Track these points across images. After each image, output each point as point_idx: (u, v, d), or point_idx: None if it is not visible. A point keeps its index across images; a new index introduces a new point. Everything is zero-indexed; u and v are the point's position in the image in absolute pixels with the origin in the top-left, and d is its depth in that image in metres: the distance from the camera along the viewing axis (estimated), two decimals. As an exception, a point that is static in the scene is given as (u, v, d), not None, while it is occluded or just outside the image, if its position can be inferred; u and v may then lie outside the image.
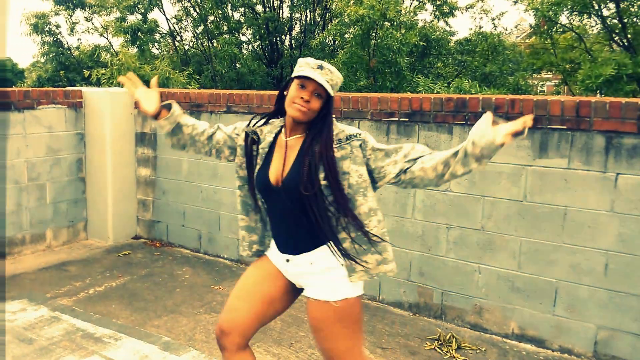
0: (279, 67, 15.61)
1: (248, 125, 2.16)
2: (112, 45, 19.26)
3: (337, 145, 1.98)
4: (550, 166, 3.30)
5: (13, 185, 4.76)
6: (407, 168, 1.96)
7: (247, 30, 16.32)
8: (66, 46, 20.03)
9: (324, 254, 2.02)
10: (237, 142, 2.19)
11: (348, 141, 1.99)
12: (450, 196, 3.66)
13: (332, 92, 1.99)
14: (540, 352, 3.34)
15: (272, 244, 2.18)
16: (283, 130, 2.10)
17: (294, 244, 2.05)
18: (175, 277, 4.44)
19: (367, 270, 2.00)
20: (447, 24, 13.51)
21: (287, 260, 2.09)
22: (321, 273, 2.02)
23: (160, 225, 5.31)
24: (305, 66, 1.98)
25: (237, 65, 15.75)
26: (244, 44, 16.41)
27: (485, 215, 3.54)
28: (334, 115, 2.06)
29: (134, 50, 15.42)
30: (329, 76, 1.98)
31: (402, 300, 3.93)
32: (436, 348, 3.34)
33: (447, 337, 3.42)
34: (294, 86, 1.98)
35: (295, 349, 3.29)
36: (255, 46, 17.20)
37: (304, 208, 1.95)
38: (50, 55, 19.63)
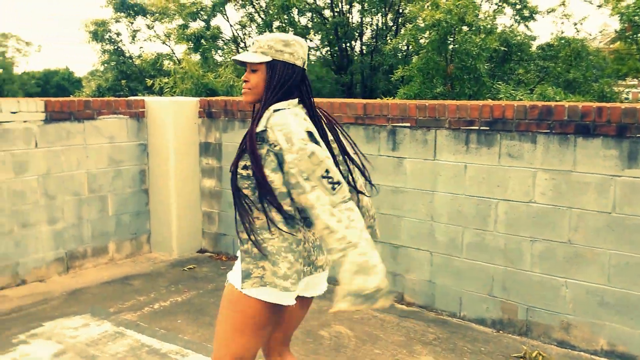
0: (349, 73, 15.75)
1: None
2: (174, 53, 19.90)
3: (259, 143, 1.98)
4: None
5: (73, 197, 4.91)
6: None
7: (315, 35, 16.55)
8: (127, 54, 20.64)
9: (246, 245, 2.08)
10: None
11: (259, 142, 1.98)
12: (535, 208, 3.65)
13: (266, 58, 2.04)
14: (634, 374, 3.28)
15: None
16: None
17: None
18: (248, 290, 4.60)
19: (261, 277, 2.00)
20: (527, 28, 13.28)
21: None
22: (239, 259, 2.11)
23: (227, 239, 5.51)
24: None
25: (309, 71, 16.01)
26: (311, 50, 16.66)
27: (572, 228, 3.51)
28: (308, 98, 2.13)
29: (196, 57, 15.91)
30: (256, 45, 2.06)
31: (485, 317, 3.94)
32: (521, 366, 3.34)
33: (534, 355, 3.42)
34: None
35: (372, 364, 3.37)
36: (323, 52, 17.42)
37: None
38: (111, 64, 20.12)
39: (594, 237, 3.45)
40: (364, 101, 4.54)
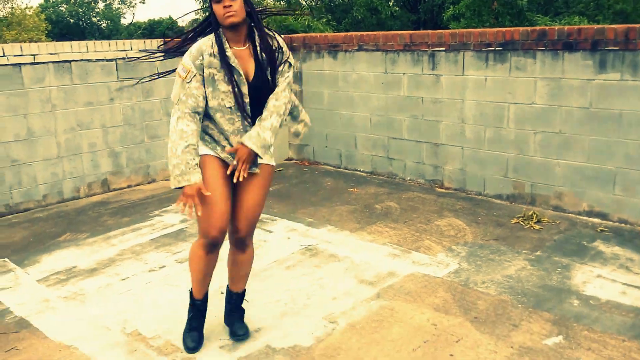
0: (419, 11, 17.16)
1: (195, 57, 2.86)
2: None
3: (278, 56, 2.96)
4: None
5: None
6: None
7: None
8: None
9: None
10: (202, 77, 2.87)
11: (282, 63, 2.99)
12: (536, 108, 5.14)
13: None
14: (603, 223, 4.81)
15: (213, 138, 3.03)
16: (226, 43, 2.85)
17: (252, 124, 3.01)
18: (319, 184, 6.38)
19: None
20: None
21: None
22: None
23: (308, 148, 7.28)
24: None
25: (380, 11, 17.43)
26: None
27: (562, 121, 4.99)
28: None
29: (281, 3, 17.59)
30: None
31: (502, 193, 5.51)
32: (520, 222, 4.92)
33: (530, 214, 4.99)
34: (214, 6, 2.77)
35: (407, 225, 5.03)
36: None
37: (261, 94, 2.97)
38: (206, 13, 22.08)
39: (577, 127, 4.92)
40: (411, 32, 6.06)
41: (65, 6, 40.88)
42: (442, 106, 5.84)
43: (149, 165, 6.62)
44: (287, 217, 5.37)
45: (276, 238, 4.84)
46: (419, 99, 6.01)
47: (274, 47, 2.93)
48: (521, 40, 5.13)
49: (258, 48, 2.91)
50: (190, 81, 2.82)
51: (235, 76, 2.85)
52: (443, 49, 5.71)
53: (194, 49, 2.85)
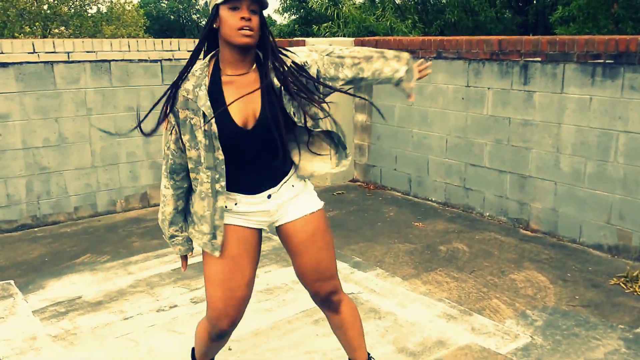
0: (525, 13, 15.88)
1: (173, 101, 2.22)
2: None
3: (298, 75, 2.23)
4: None
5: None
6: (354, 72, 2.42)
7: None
8: (309, 1, 22.38)
9: (294, 174, 2.39)
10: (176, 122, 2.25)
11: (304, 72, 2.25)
12: (652, 138, 4.19)
13: (267, 2, 2.13)
14: None
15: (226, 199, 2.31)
16: (221, 69, 2.20)
17: (270, 178, 2.32)
18: (380, 214, 5.67)
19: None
20: None
21: (269, 196, 2.33)
22: (302, 191, 2.42)
23: (375, 169, 6.58)
24: None
25: (478, 12, 16.36)
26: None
27: (687, 158, 4.02)
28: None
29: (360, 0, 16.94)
30: None
31: (602, 243, 4.58)
32: (620, 283, 4.00)
33: (635, 274, 4.04)
34: (225, 13, 2.09)
35: (475, 275, 4.23)
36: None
37: (275, 142, 2.22)
38: (292, 10, 22.12)
39: None
40: (500, 37, 5.24)
41: (166, 2, 42.42)
42: (533, 130, 4.97)
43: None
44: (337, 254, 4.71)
45: (311, 281, 4.19)
46: (505, 119, 5.18)
47: (297, 65, 2.26)
48: (639, 52, 4.21)
49: (273, 75, 2.20)
50: (171, 132, 2.27)
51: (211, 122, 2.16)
52: (539, 59, 4.85)
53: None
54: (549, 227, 4.96)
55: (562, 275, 4.18)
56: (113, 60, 5.51)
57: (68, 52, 5.27)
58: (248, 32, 2.06)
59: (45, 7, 23.77)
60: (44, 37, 23.79)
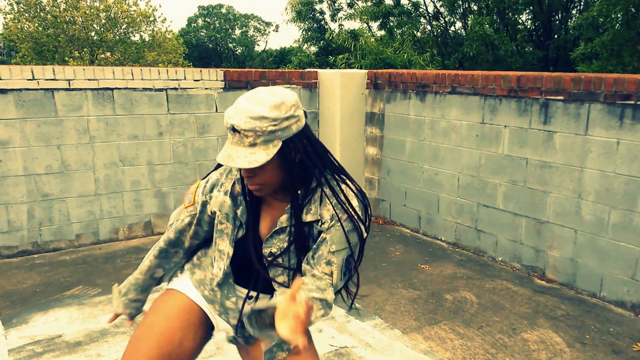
0: (547, 47, 15.10)
1: (206, 190, 1.87)
2: (370, 29, 20.68)
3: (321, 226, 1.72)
4: None
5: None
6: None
7: (521, 8, 16.01)
8: (328, 33, 22.05)
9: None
10: (210, 208, 1.87)
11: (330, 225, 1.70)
12: (686, 189, 3.51)
13: (276, 147, 1.55)
14: None
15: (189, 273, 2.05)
16: None
17: (262, 286, 1.86)
18: (386, 253, 5.02)
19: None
20: None
21: (251, 297, 1.90)
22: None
23: (384, 204, 5.95)
24: (228, 132, 1.59)
25: (498, 46, 15.65)
26: (509, 24, 16.27)
27: None
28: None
29: (381, 32, 16.36)
30: (251, 134, 1.52)
31: (625, 300, 3.88)
32: (649, 351, 3.30)
33: (665, 342, 3.34)
34: None
35: (483, 332, 3.57)
36: (527, 25, 16.86)
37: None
38: (313, 41, 21.74)
39: None
40: (519, 73, 4.61)
41: (204, 31, 42.71)
42: (552, 172, 4.32)
43: (198, 210, 5.61)
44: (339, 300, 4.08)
45: (302, 332, 3.57)
46: (522, 160, 4.53)
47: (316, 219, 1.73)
48: (671, 92, 3.55)
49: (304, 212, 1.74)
50: (189, 216, 1.94)
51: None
52: (561, 97, 4.21)
53: (212, 176, 1.90)
54: (566, 278, 4.27)
55: (580, 337, 3.50)
56: (116, 88, 5.00)
57: (69, 80, 4.78)
58: (253, 187, 1.67)
59: (93, 33, 23.86)
60: (92, 62, 23.86)
